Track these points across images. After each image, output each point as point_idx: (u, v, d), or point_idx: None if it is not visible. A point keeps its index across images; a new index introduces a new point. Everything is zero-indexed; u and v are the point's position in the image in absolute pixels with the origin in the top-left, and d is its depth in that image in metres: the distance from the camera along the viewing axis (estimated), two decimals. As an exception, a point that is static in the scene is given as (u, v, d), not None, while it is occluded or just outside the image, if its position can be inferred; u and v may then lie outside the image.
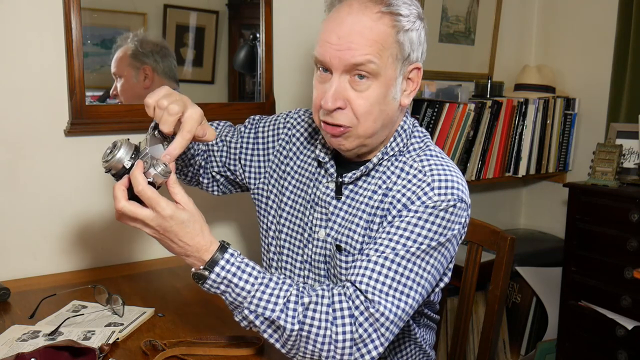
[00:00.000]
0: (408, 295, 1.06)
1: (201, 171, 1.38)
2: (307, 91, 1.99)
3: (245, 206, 1.90)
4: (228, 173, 1.38)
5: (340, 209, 1.19)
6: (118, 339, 1.19)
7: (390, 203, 1.12)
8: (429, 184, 1.10)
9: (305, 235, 1.24)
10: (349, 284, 1.06)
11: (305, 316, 1.02)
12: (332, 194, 1.20)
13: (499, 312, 1.44)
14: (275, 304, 1.02)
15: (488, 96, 2.39)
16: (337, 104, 1.08)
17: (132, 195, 0.99)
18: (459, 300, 1.53)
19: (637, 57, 2.30)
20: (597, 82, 2.49)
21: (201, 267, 1.02)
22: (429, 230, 1.07)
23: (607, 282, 2.16)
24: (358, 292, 1.04)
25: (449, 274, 1.22)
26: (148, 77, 1.73)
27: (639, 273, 1.79)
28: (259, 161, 1.35)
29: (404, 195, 1.11)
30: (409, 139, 1.20)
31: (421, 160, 1.15)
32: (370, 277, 1.04)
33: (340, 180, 1.19)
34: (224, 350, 1.17)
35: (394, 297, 1.04)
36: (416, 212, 1.08)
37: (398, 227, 1.08)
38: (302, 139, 1.31)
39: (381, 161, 1.17)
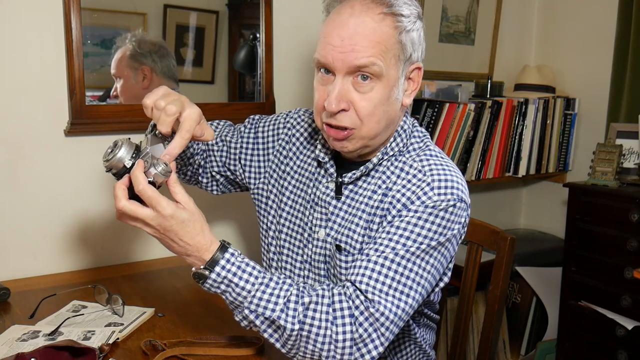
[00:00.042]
0: (408, 295, 1.06)
1: (200, 170, 1.38)
2: (307, 91, 1.99)
3: (245, 206, 1.90)
4: (228, 173, 1.38)
5: (340, 209, 1.19)
6: (118, 339, 1.19)
7: (390, 203, 1.12)
8: (428, 184, 1.10)
9: (305, 235, 1.24)
10: (349, 284, 1.06)
11: (305, 316, 1.02)
12: (332, 194, 1.20)
13: (499, 312, 1.44)
14: (276, 303, 1.02)
15: (488, 96, 2.40)
16: (341, 106, 1.08)
17: (133, 195, 0.99)
18: (459, 300, 1.53)
19: (637, 57, 2.30)
20: (597, 82, 2.49)
21: (202, 267, 1.02)
22: (429, 230, 1.07)
23: (607, 282, 2.16)
24: (358, 292, 1.04)
25: (449, 273, 1.22)
26: (147, 78, 1.73)
27: (639, 273, 1.79)
28: (258, 161, 1.35)
29: (403, 195, 1.11)
30: (409, 138, 1.20)
31: (421, 160, 1.15)
32: (370, 277, 1.04)
33: (340, 180, 1.19)
34: (224, 350, 1.17)
35: (394, 296, 1.04)
36: (416, 212, 1.08)
37: (398, 227, 1.08)
38: (302, 139, 1.31)
39: (381, 161, 1.17)
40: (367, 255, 1.07)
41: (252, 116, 1.41)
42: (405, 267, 1.06)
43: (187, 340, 1.20)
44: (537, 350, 2.42)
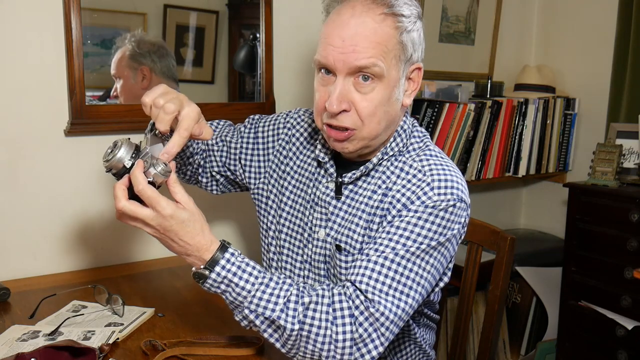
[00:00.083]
0: (408, 295, 1.06)
1: (200, 170, 1.38)
2: (307, 91, 1.99)
3: (245, 206, 1.90)
4: (228, 173, 1.38)
5: (340, 209, 1.19)
6: (118, 339, 1.19)
7: (390, 203, 1.12)
8: (428, 184, 1.10)
9: (305, 235, 1.24)
10: (349, 284, 1.06)
11: (305, 316, 1.02)
12: (332, 194, 1.20)
13: (499, 312, 1.44)
14: (276, 303, 1.02)
15: (488, 96, 2.40)
16: (342, 107, 1.08)
17: (133, 195, 0.99)
18: (459, 300, 1.53)
19: (637, 57, 2.30)
20: (597, 82, 2.49)
21: (202, 267, 1.02)
22: (429, 230, 1.07)
23: (607, 282, 2.16)
24: (358, 292, 1.04)
25: (449, 273, 1.22)
26: (146, 78, 1.73)
27: (639, 273, 1.79)
28: (258, 161, 1.35)
29: (403, 195, 1.11)
30: (409, 138, 1.20)
31: (421, 160, 1.15)
32: (370, 277, 1.04)
33: (340, 180, 1.19)
34: (224, 350, 1.17)
35: (394, 296, 1.04)
36: (416, 211, 1.08)
37: (398, 227, 1.08)
38: (302, 139, 1.31)
39: (381, 161, 1.17)
40: (367, 255, 1.07)
41: (252, 116, 1.41)
42: (405, 267, 1.06)
43: (187, 340, 1.20)
44: (537, 350, 2.42)
